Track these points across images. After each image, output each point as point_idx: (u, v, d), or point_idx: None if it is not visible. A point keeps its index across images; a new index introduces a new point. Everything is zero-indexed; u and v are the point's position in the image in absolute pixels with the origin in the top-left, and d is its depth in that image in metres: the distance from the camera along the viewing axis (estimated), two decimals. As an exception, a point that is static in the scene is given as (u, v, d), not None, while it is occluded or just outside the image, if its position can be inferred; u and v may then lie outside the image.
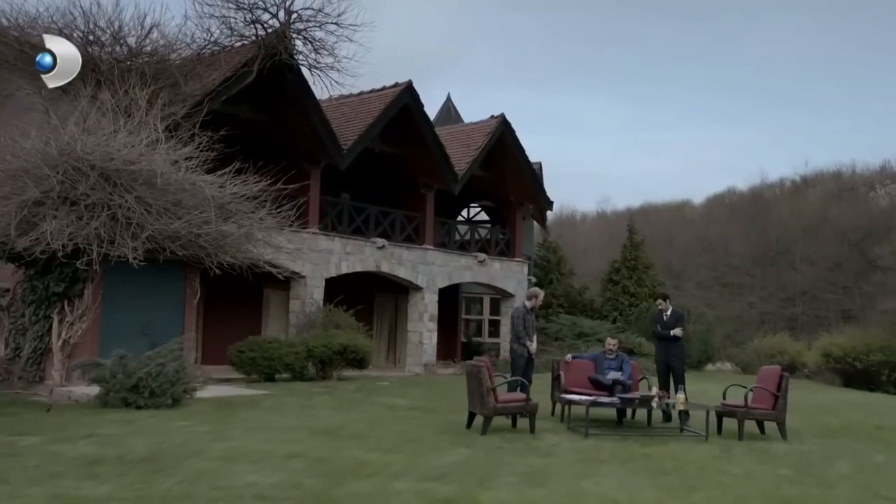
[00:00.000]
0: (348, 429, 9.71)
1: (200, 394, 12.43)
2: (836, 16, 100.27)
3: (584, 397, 10.60)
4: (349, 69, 18.26)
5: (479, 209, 32.18)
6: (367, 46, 20.86)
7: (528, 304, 11.78)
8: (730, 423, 10.41)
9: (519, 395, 10.17)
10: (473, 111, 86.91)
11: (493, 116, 24.77)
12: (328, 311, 18.99)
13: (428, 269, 22.93)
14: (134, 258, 12.52)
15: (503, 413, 9.90)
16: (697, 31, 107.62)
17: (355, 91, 22.36)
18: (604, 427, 10.82)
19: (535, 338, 11.71)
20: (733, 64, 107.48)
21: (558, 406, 11.44)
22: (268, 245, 15.86)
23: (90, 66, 16.41)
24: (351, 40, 18.40)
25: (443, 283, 23.45)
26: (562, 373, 11.52)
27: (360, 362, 16.79)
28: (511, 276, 25.85)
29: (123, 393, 10.90)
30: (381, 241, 21.47)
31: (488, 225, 29.47)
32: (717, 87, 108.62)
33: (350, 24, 18.23)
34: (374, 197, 22.88)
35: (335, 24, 18.22)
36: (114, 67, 16.59)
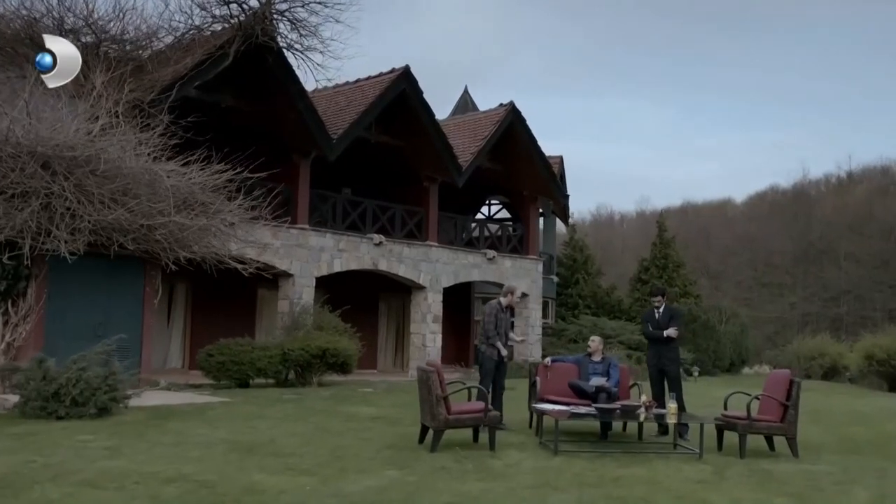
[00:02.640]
0: (278, 444, 8.37)
1: (145, 401, 11.25)
2: (877, 7, 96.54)
3: (556, 407, 9.12)
4: (334, 51, 17.00)
5: (500, 207, 30.74)
6: (354, 27, 19.48)
7: (504, 300, 10.34)
8: (736, 438, 8.83)
9: (477, 404, 8.72)
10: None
11: (501, 105, 23.32)
12: (317, 312, 17.71)
13: (431, 266, 21.54)
14: (71, 252, 11.38)
15: (457, 426, 8.46)
16: (739, 33, 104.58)
17: (351, 79, 21.20)
18: (585, 442, 9.35)
19: (508, 339, 10.26)
20: (773, 65, 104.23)
21: (536, 417, 9.96)
22: (239, 240, 14.66)
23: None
24: (338, 21, 17.19)
25: (448, 282, 22.05)
26: (538, 378, 10.06)
27: (342, 366, 15.45)
28: (524, 274, 24.31)
29: (41, 401, 9.71)
30: (378, 238, 20.14)
31: (509, 222, 27.94)
32: (760, 89, 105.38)
33: (336, 3, 17.02)
34: (377, 191, 21.60)
35: (319, 2, 17.01)
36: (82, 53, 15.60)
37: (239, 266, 13.63)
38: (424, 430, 8.63)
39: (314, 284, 18.87)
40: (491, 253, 23.23)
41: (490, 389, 10.03)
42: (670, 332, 10.21)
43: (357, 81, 20.94)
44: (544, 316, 29.80)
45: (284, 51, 17.16)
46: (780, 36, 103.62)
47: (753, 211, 64.83)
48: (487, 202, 30.27)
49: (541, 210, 30.33)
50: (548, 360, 10.43)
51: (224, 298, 19.35)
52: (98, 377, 10.01)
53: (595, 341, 10.44)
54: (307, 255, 18.78)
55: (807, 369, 32.49)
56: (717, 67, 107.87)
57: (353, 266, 19.83)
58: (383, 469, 7.22)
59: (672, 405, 8.85)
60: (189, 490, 6.09)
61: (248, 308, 20.70)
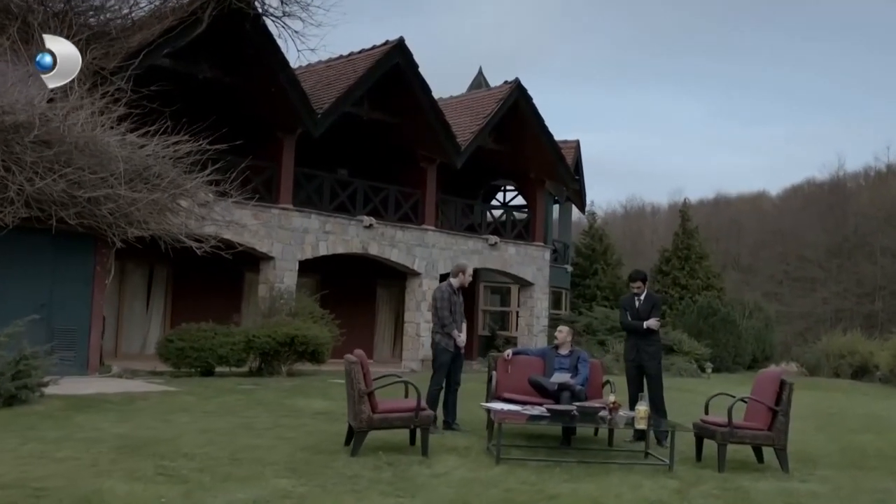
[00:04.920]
0: (178, 442, 7.29)
1: (76, 389, 10.32)
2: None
3: (507, 407, 7.94)
4: (317, 18, 15.91)
5: (516, 193, 29.40)
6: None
7: (455, 281, 9.14)
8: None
9: (409, 401, 7.54)
10: (546, 105, 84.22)
11: (506, 82, 22.03)
12: (298, 298, 16.67)
13: (427, 252, 20.36)
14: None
15: (383, 427, 7.31)
16: (776, 25, 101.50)
17: (345, 53, 20.09)
18: (542, 448, 8.14)
19: (464, 326, 9.07)
20: (812, 58, 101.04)
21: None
22: (202, 218, 13.64)
23: (13, 16, 14.64)
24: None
25: (445, 269, 20.79)
26: (494, 373, 8.87)
27: (312, 355, 14.35)
28: (529, 261, 23.06)
29: (-58, 389, 8.76)
30: (368, 220, 19.01)
31: (521, 208, 26.59)
32: (799, 82, 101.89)
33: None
34: (373, 172, 20.47)
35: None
36: (47, 20, 14.71)
37: (194, 245, 12.57)
38: (352, 430, 7.49)
39: (297, 268, 17.80)
40: (493, 238, 22.00)
41: (444, 385, 8.93)
42: (651, 323, 8.94)
43: (349, 55, 19.80)
44: (558, 307, 28.53)
45: (263, 17, 16.09)
46: (817, 27, 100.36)
47: (787, 204, 62.66)
48: (503, 188, 28.97)
49: (555, 197, 29.06)
50: (508, 352, 9.18)
51: (208, 282, 18.40)
52: (9, 363, 9.04)
53: (562, 332, 9.19)
54: (290, 236, 17.72)
55: (836, 368, 30.87)
56: (757, 61, 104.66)
57: (341, 249, 18.74)
58: (276, 477, 6.10)
59: (642, 407, 7.58)
60: (13, 500, 5.02)
61: (235, 292, 19.74)
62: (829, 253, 50.22)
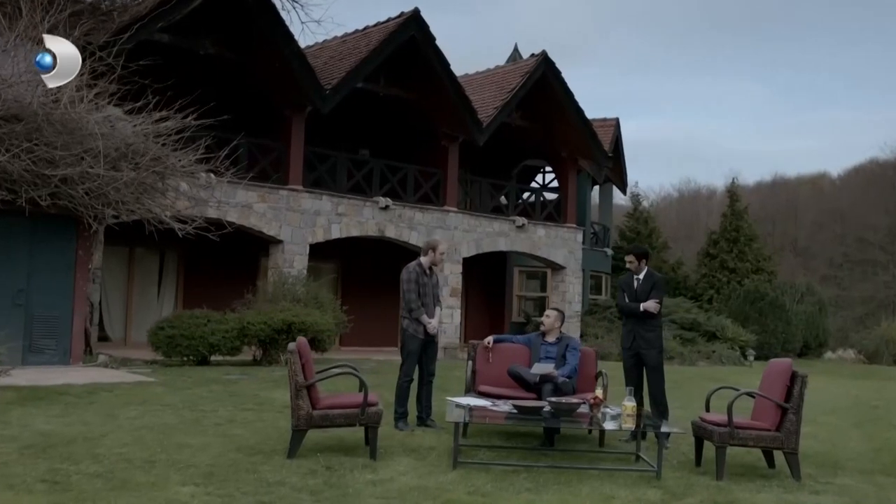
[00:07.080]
0: (103, 440, 6.54)
1: (39, 379, 9.75)
2: None
3: (475, 401, 6.99)
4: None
5: (553, 176, 28.22)
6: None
7: (425, 260, 8.21)
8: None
9: (356, 396, 6.64)
10: (602, 89, 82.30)
11: (533, 55, 20.91)
12: (306, 283, 15.93)
13: (448, 234, 19.40)
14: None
15: (323, 425, 6.44)
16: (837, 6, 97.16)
17: (354, 29, 19.24)
18: (518, 449, 7.16)
19: (438, 311, 8.16)
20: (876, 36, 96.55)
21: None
22: (193, 199, 12.95)
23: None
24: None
25: (468, 252, 19.92)
26: (471, 361, 7.92)
27: (313, 343, 13.50)
28: (560, 244, 21.94)
29: None
30: (384, 201, 18.16)
31: (557, 189, 25.44)
32: (866, 64, 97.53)
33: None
34: (393, 152, 19.63)
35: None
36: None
37: (178, 226, 11.85)
38: (297, 428, 6.64)
39: (307, 252, 17.07)
40: (521, 220, 20.94)
41: (416, 376, 8.04)
42: (648, 305, 7.87)
43: (365, 28, 18.93)
44: (598, 292, 27.35)
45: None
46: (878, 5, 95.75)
47: (847, 184, 59.89)
48: (542, 170, 27.80)
49: (594, 178, 27.81)
50: (488, 339, 8.21)
51: (221, 267, 17.86)
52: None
53: (549, 317, 8.18)
54: (299, 219, 16.97)
55: (895, 355, 29.27)
56: (820, 43, 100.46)
57: (355, 232, 17.93)
58: (181, 484, 5.27)
59: (629, 403, 6.56)
60: None
61: (249, 278, 19.03)
62: (892, 235, 47.71)
